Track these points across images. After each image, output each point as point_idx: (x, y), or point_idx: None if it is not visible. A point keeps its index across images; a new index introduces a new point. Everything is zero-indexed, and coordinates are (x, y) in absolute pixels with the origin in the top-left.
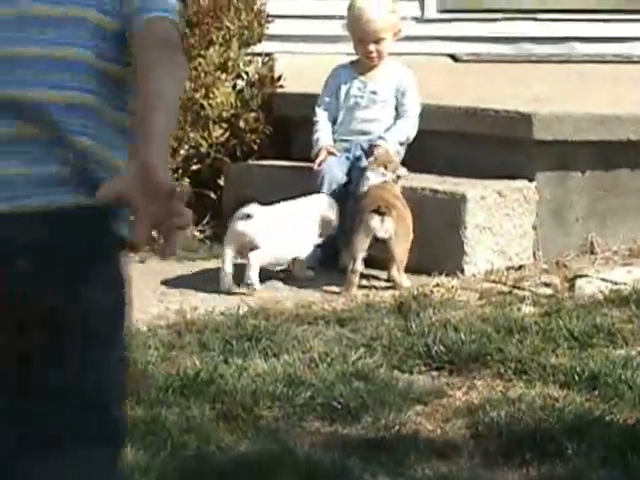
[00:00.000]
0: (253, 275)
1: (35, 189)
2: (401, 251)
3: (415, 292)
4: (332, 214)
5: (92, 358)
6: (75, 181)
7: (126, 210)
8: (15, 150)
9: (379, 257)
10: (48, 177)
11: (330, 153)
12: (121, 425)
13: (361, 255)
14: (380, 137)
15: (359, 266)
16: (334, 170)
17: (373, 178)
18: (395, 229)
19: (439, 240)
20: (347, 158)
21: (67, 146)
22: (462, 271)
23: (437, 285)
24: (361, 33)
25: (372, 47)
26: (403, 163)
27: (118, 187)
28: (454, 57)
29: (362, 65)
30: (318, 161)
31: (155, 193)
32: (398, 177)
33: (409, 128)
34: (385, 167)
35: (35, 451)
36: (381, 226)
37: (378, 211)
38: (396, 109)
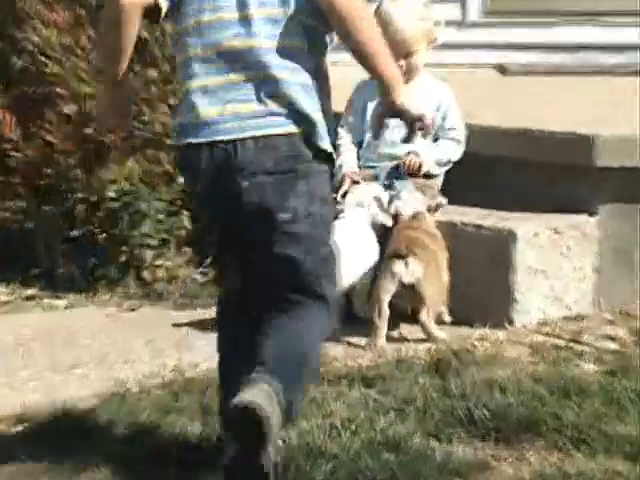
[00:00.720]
0: None
1: (255, 122)
2: (432, 294)
3: (455, 346)
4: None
5: (299, 255)
6: (285, 113)
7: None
8: (239, 91)
9: (410, 306)
10: (265, 112)
11: (354, 182)
12: (332, 301)
13: (386, 300)
14: (410, 152)
15: (385, 313)
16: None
17: (406, 202)
18: (423, 271)
19: (483, 285)
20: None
21: (276, 84)
22: (510, 322)
23: (481, 338)
24: (389, 44)
25: (402, 62)
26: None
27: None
28: (502, 68)
29: None
30: (341, 192)
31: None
32: (437, 207)
33: (452, 150)
34: (423, 193)
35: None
36: (406, 270)
37: (399, 255)
38: (435, 132)
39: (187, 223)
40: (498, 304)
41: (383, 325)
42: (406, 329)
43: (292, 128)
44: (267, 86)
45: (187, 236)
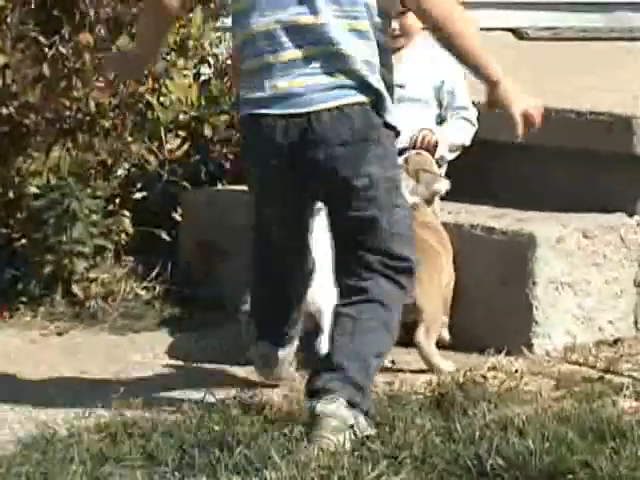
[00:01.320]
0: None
1: (326, 94)
2: (432, 310)
3: (461, 378)
4: None
5: (376, 215)
6: (354, 85)
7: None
8: (308, 65)
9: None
10: (335, 84)
11: None
12: (409, 262)
13: None
14: (424, 128)
15: None
16: None
17: None
18: (421, 279)
19: (496, 302)
20: None
21: (345, 59)
22: (530, 348)
23: (493, 368)
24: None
25: (394, 24)
26: (443, 197)
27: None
28: (517, 33)
29: None
30: None
31: None
32: (433, 195)
33: (465, 132)
34: (417, 179)
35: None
36: None
37: None
38: (441, 113)
39: (128, 226)
40: (515, 325)
41: None
42: (400, 356)
43: (362, 98)
44: (334, 61)
45: (128, 242)
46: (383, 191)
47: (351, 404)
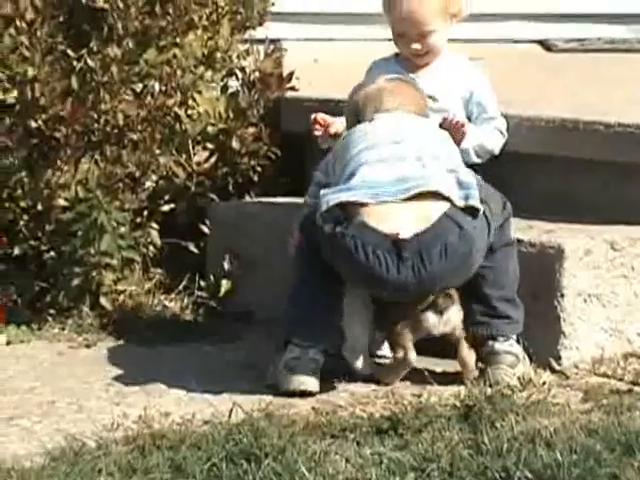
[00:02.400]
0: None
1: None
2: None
3: (489, 391)
4: None
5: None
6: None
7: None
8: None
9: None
10: None
11: (323, 126)
12: None
13: (412, 343)
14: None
15: (412, 356)
16: None
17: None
18: (460, 314)
19: (525, 315)
20: None
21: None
22: (558, 360)
23: (521, 380)
24: (400, 25)
25: (416, 45)
26: None
27: None
28: (546, 45)
29: (410, 61)
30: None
31: None
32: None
33: (496, 140)
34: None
35: None
36: (439, 322)
37: (435, 308)
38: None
39: (156, 238)
40: (543, 338)
41: (406, 368)
42: (427, 364)
43: None
44: None
45: (156, 254)
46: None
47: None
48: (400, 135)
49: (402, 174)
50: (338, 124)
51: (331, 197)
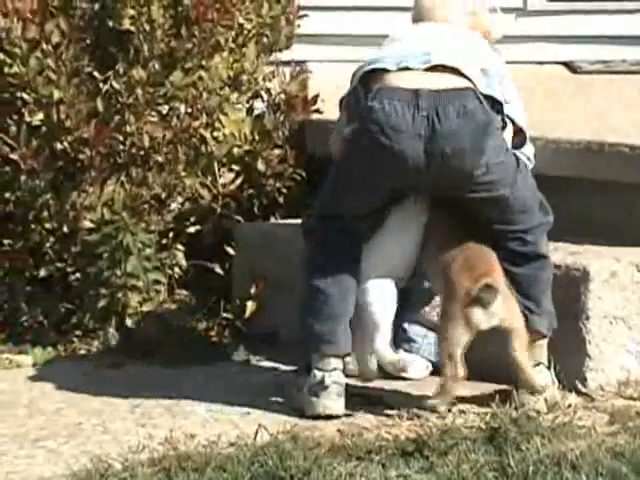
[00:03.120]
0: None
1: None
2: (519, 322)
3: (514, 413)
4: None
5: (501, 195)
6: None
7: None
8: None
9: None
10: None
11: None
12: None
13: (461, 353)
14: None
15: (461, 370)
16: None
17: None
18: (504, 308)
19: (551, 336)
20: None
21: None
22: (584, 382)
23: (547, 402)
24: None
25: None
26: None
27: None
28: (571, 66)
29: None
30: None
31: None
32: None
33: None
34: None
35: None
36: (486, 316)
37: (481, 302)
38: None
39: (182, 259)
40: (568, 360)
41: (458, 384)
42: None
43: None
44: None
45: (182, 276)
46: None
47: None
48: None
49: (427, 50)
50: None
51: (359, 71)
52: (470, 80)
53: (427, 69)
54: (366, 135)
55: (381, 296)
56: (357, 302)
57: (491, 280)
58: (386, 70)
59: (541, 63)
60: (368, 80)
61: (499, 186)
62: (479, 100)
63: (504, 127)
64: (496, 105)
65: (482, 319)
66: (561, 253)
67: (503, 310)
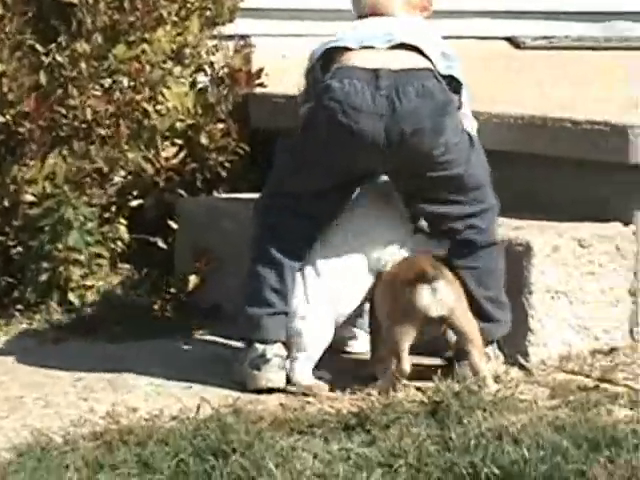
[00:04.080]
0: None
1: None
2: (472, 325)
3: (456, 387)
4: None
5: (456, 173)
6: None
7: None
8: None
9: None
10: None
11: None
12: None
13: (407, 346)
14: None
15: (406, 366)
16: None
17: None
18: (453, 296)
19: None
20: None
21: None
22: (526, 356)
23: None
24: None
25: None
26: None
27: None
28: (514, 42)
29: None
30: None
31: None
32: None
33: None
34: None
35: None
36: (434, 299)
37: (425, 278)
38: None
39: (124, 233)
40: (510, 335)
41: (401, 379)
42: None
43: None
44: None
45: (124, 250)
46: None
47: None
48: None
49: (389, 31)
50: None
51: (318, 49)
52: (430, 60)
53: (390, 48)
54: (324, 113)
55: (322, 319)
56: (296, 310)
57: (432, 263)
58: (347, 49)
59: (486, 38)
60: (328, 59)
61: (455, 165)
62: (437, 80)
63: (459, 107)
64: (455, 85)
65: (429, 303)
66: (504, 228)
67: (453, 301)
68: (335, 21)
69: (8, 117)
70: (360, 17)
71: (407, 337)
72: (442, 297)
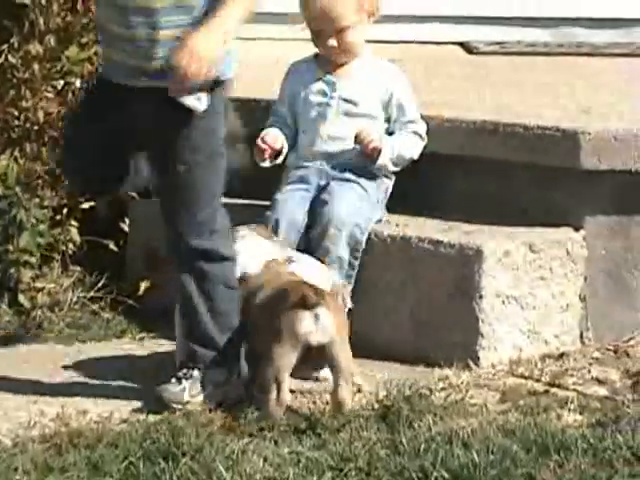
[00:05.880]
0: None
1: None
2: (347, 357)
3: (407, 391)
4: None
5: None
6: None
7: None
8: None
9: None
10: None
11: (270, 148)
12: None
13: (287, 374)
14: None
15: (287, 395)
16: (292, 208)
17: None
18: (335, 324)
19: (443, 315)
20: (307, 191)
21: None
22: (476, 361)
23: (439, 381)
24: (314, 21)
25: (332, 41)
26: (390, 209)
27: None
28: (467, 47)
29: (329, 61)
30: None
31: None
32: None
33: (414, 146)
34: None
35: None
36: (315, 326)
37: (306, 304)
38: (389, 127)
39: (76, 236)
40: (461, 339)
41: (282, 408)
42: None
43: None
44: None
45: (76, 252)
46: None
47: None
48: None
49: None
50: (280, 137)
51: None
52: None
53: None
54: None
55: None
56: None
57: (315, 289)
58: None
59: (439, 43)
60: None
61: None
62: None
63: None
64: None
65: (311, 328)
66: (456, 233)
67: (335, 328)
68: (278, 24)
69: None
70: None
71: (287, 365)
72: (325, 324)
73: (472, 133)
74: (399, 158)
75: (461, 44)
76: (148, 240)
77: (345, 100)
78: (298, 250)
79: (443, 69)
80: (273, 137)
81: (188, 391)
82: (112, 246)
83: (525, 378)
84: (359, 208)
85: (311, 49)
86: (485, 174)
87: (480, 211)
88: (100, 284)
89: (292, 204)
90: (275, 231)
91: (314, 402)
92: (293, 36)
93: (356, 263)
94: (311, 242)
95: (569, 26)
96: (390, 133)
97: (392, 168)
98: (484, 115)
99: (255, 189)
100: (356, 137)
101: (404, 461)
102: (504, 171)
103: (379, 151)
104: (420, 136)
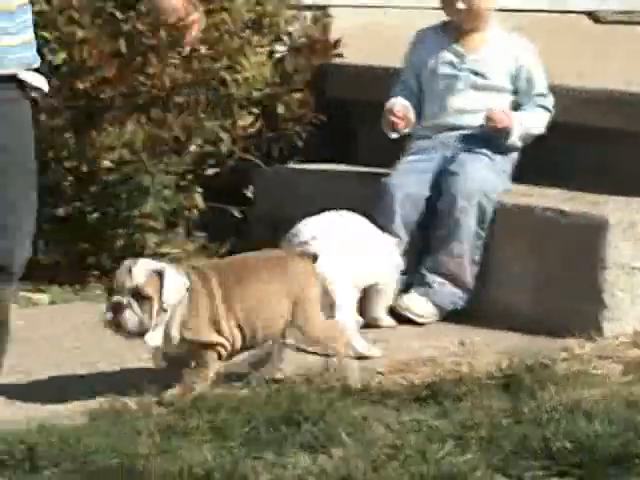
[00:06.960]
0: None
1: None
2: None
3: (530, 361)
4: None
5: None
6: None
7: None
8: None
9: None
10: None
11: (403, 119)
12: None
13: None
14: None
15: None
16: (410, 181)
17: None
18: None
19: (566, 286)
20: (430, 162)
21: None
22: (600, 332)
23: (563, 351)
24: None
25: (461, 4)
26: (516, 179)
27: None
28: (594, 16)
29: (457, 29)
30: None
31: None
32: None
33: (542, 120)
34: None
35: None
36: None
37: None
38: (514, 100)
39: (200, 201)
40: (585, 309)
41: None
42: (469, 337)
43: None
44: None
45: (200, 218)
46: None
47: None
48: None
49: None
50: (409, 108)
51: None
52: None
53: None
54: None
55: None
56: None
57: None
58: None
59: (565, 12)
60: None
61: None
62: None
63: None
64: None
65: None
66: (581, 203)
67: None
68: None
69: (87, 84)
70: None
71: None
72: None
73: (601, 103)
74: (527, 134)
75: (588, 13)
76: (271, 206)
77: (474, 73)
78: (417, 223)
79: (569, 39)
80: (403, 108)
81: None
82: (236, 212)
83: None
84: (487, 179)
85: (438, 17)
86: (612, 145)
87: (605, 182)
88: (224, 249)
89: (412, 176)
90: (391, 202)
91: (436, 372)
92: (420, 4)
93: (483, 234)
94: (438, 213)
95: None
96: (517, 105)
97: (520, 144)
98: (612, 85)
99: (380, 157)
100: (487, 118)
101: (526, 431)
102: (631, 142)
103: (508, 131)
104: (548, 109)
